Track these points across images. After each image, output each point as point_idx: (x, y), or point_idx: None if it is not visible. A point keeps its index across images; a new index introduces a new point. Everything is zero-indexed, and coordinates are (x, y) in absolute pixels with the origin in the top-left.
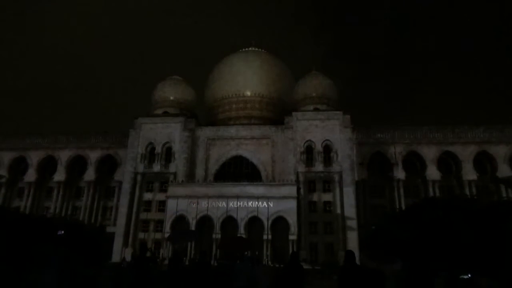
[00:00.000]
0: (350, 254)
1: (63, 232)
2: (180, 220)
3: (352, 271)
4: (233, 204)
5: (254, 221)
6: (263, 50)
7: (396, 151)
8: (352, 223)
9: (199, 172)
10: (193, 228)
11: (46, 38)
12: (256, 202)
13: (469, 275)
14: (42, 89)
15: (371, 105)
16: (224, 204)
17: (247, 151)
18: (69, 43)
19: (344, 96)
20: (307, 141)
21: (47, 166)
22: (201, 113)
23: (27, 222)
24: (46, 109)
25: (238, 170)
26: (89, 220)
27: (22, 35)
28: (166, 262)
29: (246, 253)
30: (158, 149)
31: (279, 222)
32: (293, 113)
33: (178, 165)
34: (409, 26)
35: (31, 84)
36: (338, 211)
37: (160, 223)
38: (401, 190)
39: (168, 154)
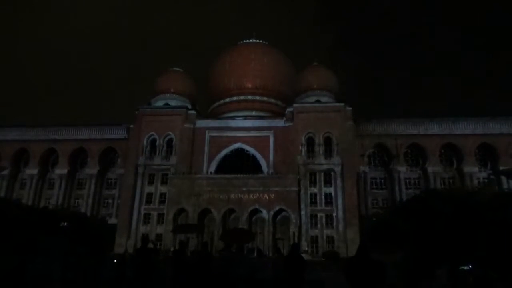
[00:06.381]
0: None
1: (66, 223)
2: (181, 213)
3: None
4: (234, 196)
5: (255, 213)
6: (264, 42)
7: (397, 143)
8: (353, 215)
9: (200, 164)
10: (195, 220)
11: (47, 31)
12: (257, 195)
13: (470, 266)
14: (45, 81)
15: (372, 97)
16: (225, 196)
17: (248, 144)
18: (71, 36)
19: (346, 88)
20: (308, 133)
21: (49, 158)
22: (202, 105)
23: (30, 214)
24: (48, 101)
25: (239, 163)
26: (91, 212)
27: (21, 29)
28: (170, 254)
29: (248, 245)
30: (159, 141)
31: (280, 214)
32: (294, 105)
33: (179, 158)
34: (412, 16)
35: (33, 76)
36: (339, 203)
37: (162, 216)
38: (402, 182)
39: (169, 146)
